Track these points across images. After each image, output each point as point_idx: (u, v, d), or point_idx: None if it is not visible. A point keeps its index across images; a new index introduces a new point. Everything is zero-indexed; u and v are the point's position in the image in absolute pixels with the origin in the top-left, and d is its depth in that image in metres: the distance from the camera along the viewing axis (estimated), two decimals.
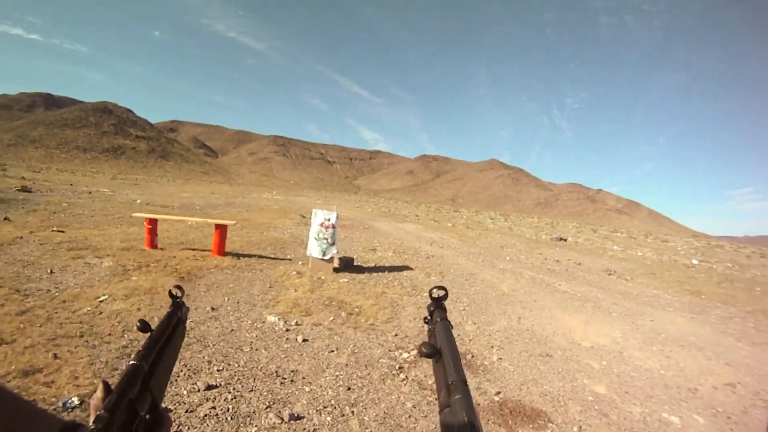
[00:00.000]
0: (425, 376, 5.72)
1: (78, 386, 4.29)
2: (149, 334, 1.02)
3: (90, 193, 22.03)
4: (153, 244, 11.25)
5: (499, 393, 5.59)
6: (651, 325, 9.61)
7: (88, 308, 6.48)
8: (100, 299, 6.92)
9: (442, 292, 1.15)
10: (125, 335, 5.76)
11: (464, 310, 9.27)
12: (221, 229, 11.45)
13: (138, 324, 1.03)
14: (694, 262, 24.74)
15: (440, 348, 0.97)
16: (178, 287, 1.21)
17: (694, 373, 7.08)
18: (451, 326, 1.06)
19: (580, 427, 4.95)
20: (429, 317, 1.14)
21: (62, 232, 11.27)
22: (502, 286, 12.04)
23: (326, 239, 11.17)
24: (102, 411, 0.69)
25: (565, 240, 30.51)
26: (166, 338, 1.07)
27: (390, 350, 6.50)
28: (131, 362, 0.88)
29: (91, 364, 4.80)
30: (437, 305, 1.15)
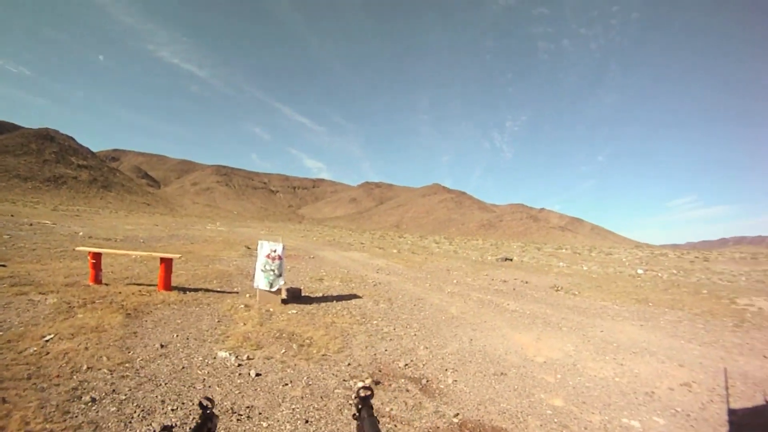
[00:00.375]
0: (381, 404, 5.66)
1: None
2: None
3: (31, 225, 21.48)
4: (97, 280, 10.93)
5: (457, 414, 5.57)
6: (602, 336, 9.81)
7: (34, 348, 6.24)
8: (46, 338, 6.68)
9: (368, 392, 1.26)
10: (74, 376, 5.54)
11: (415, 335, 9.25)
12: (166, 263, 11.19)
13: (161, 429, 1.04)
14: (640, 271, 25.38)
15: None
16: (209, 399, 1.24)
17: (649, 377, 7.25)
18: (378, 421, 1.18)
19: None
20: (357, 414, 1.24)
21: (4, 266, 10.98)
22: (451, 309, 12.09)
23: (273, 271, 11.02)
24: None
25: (511, 260, 30.93)
26: None
27: (344, 380, 6.41)
28: None
29: (42, 407, 4.60)
30: (364, 403, 1.24)
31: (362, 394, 1.24)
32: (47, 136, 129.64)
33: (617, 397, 6.39)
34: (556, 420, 5.57)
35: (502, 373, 7.20)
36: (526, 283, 18.85)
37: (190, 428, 1.11)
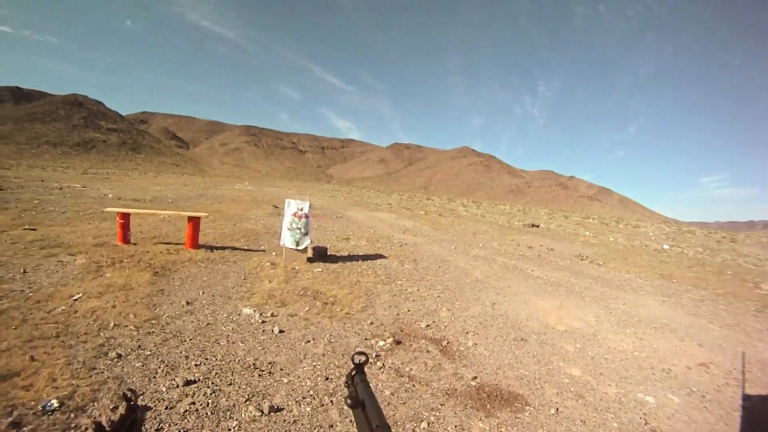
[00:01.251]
0: (402, 364, 5.75)
1: (57, 388, 4.23)
2: None
3: (61, 188, 21.67)
4: (126, 239, 11.03)
5: (475, 378, 5.64)
6: (624, 309, 9.76)
7: (63, 307, 6.35)
8: (75, 298, 6.79)
9: (363, 358, 1.26)
10: (101, 333, 5.67)
11: (438, 297, 9.30)
12: (194, 222, 11.30)
13: (92, 426, 1.00)
14: (665, 247, 25.04)
15: (363, 400, 1.11)
16: (132, 391, 1.20)
17: (668, 354, 7.21)
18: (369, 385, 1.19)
19: (557, 409, 5.02)
20: (350, 380, 1.26)
21: (34, 230, 11.06)
22: (476, 272, 12.11)
23: (299, 229, 11.11)
24: None
25: (538, 226, 30.75)
26: None
27: (366, 338, 6.51)
28: None
29: (69, 364, 4.72)
30: (358, 370, 1.25)
31: (356, 360, 1.27)
32: (76, 102, 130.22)
33: (634, 371, 6.40)
34: (572, 389, 5.62)
35: (522, 339, 7.25)
36: (552, 250, 18.76)
37: (112, 421, 1.06)
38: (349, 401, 1.11)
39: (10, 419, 3.69)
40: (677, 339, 8.03)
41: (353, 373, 1.26)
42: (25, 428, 3.62)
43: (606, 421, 4.91)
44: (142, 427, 1.21)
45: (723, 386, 6.12)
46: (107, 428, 1.01)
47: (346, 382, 1.26)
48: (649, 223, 55.33)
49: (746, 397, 5.81)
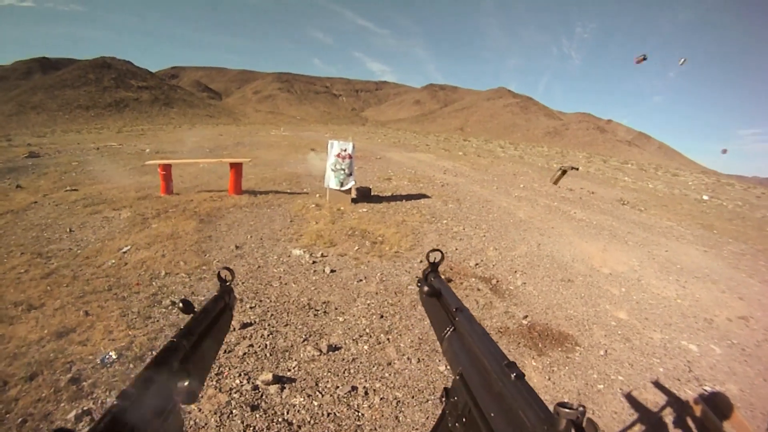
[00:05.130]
0: None
1: (113, 340, 4.37)
2: (192, 315, 1.00)
3: (98, 149, 21.63)
4: (169, 190, 11.11)
5: (526, 317, 5.78)
6: (666, 255, 9.72)
7: (113, 261, 6.49)
8: (123, 250, 6.93)
9: (438, 255, 1.28)
10: (153, 283, 5.83)
11: (484, 236, 9.40)
12: (236, 168, 11.35)
13: (180, 304, 0.99)
14: (705, 197, 24.47)
15: (439, 290, 1.15)
16: (228, 269, 1.22)
17: (709, 304, 7.22)
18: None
19: (606, 351, 5.13)
20: (424, 278, 1.29)
21: (76, 190, 11.05)
22: (519, 213, 12.13)
23: (343, 170, 11.17)
24: (130, 387, 0.68)
25: (577, 169, 30.36)
26: (210, 321, 1.06)
27: (417, 276, 6.61)
28: (170, 339, 0.86)
29: (123, 316, 4.89)
30: (433, 267, 1.28)
31: (432, 259, 1.27)
32: (104, 64, 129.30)
33: (678, 318, 6.45)
34: (619, 332, 5.72)
35: (569, 280, 7.35)
36: (593, 193, 18.56)
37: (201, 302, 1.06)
38: (426, 288, 1.15)
39: (69, 375, 3.77)
40: (718, 290, 7.99)
41: (428, 271, 1.29)
42: (84, 383, 3.72)
43: (652, 366, 5.00)
44: (233, 312, 1.24)
45: (762, 342, 6.12)
46: (195, 307, 1.02)
47: (418, 282, 1.28)
48: (687, 172, 53.95)
49: None
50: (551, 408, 0.58)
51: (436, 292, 1.16)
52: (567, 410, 0.53)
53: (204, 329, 1.00)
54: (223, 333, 1.16)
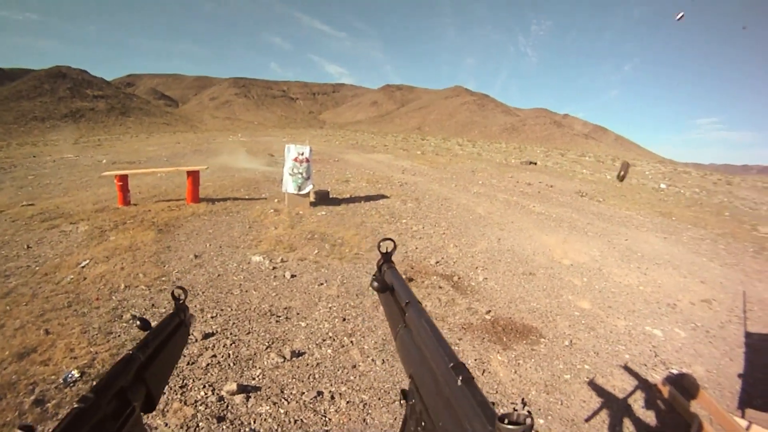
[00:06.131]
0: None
1: (75, 358, 4.23)
2: (148, 331, 1.01)
3: (54, 161, 21.18)
4: (126, 201, 10.86)
5: (489, 312, 5.76)
6: (626, 244, 9.89)
7: (71, 276, 6.30)
8: (82, 265, 6.73)
9: (390, 245, 1.23)
10: (113, 297, 5.66)
11: (444, 233, 9.43)
12: (194, 176, 11.19)
13: (137, 322, 1.03)
14: (662, 186, 24.95)
15: (391, 284, 1.11)
16: (181, 288, 1.22)
17: (672, 289, 7.35)
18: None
19: (571, 341, 5.14)
20: (378, 270, 1.23)
21: (32, 205, 10.73)
22: (478, 209, 12.22)
23: (301, 174, 11.08)
24: (89, 392, 0.69)
25: (535, 163, 30.66)
26: (166, 336, 1.06)
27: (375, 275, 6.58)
28: (127, 351, 0.87)
29: (84, 332, 4.71)
30: (386, 258, 1.23)
31: (385, 249, 1.23)
32: (59, 74, 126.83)
33: (641, 305, 6.55)
34: (583, 322, 5.77)
35: (530, 273, 7.39)
36: (551, 187, 18.79)
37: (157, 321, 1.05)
38: (375, 284, 1.11)
39: (32, 397, 3.65)
40: (680, 275, 8.15)
41: (381, 262, 1.24)
42: (48, 404, 3.60)
43: (618, 353, 5.05)
44: (189, 329, 1.20)
45: (726, 323, 6.27)
46: (152, 324, 1.03)
47: (373, 277, 1.19)
48: (645, 162, 55.13)
49: (749, 335, 5.94)
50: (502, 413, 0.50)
51: (388, 287, 1.11)
52: (510, 427, 0.46)
53: (159, 343, 1.01)
54: (179, 347, 1.19)
